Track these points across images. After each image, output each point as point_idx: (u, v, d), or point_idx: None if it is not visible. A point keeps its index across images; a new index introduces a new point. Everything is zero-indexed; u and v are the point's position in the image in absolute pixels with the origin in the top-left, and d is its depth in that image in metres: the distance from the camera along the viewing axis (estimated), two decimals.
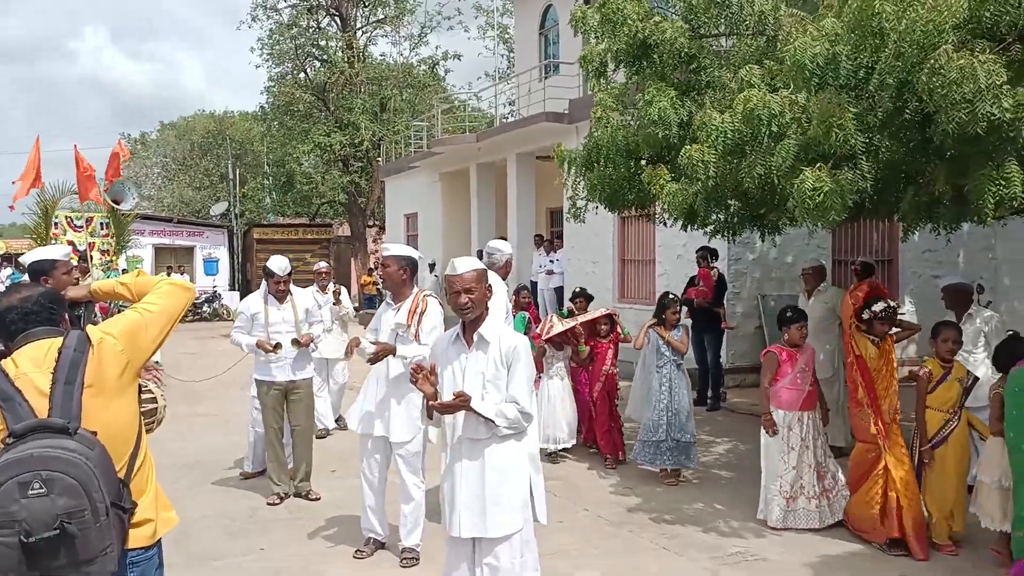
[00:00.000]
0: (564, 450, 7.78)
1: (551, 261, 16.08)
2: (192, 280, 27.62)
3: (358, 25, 30.31)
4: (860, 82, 4.84)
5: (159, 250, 28.23)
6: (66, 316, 2.74)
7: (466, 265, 3.74)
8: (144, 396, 4.25)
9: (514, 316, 7.82)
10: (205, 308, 26.19)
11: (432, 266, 20.12)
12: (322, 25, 30.30)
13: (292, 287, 6.71)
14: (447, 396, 3.60)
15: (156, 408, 4.26)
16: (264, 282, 6.66)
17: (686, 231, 7.60)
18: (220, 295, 27.11)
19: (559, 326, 7.71)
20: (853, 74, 4.81)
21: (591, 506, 6.42)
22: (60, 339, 2.54)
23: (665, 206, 6.65)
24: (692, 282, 10.61)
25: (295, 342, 6.47)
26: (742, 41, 6.45)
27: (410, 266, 5.28)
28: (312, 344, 6.63)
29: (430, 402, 3.61)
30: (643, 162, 6.89)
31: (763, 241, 9.46)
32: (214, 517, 6.18)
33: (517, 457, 3.67)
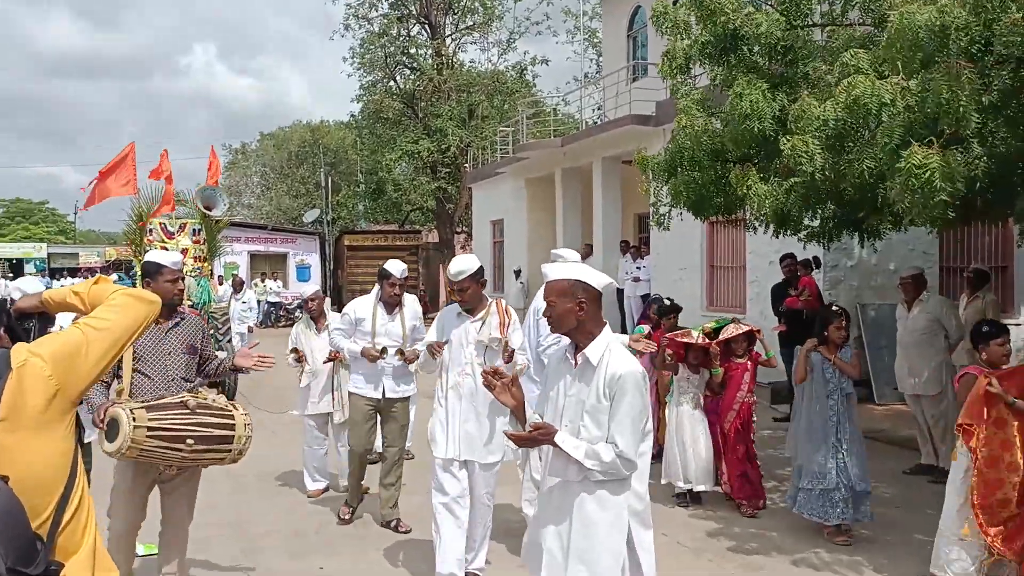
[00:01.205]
0: (697, 494, 6.56)
1: (638, 268, 15.66)
2: (285, 286, 28.26)
3: (447, 32, 30.47)
4: (973, 57, 4.33)
5: (254, 256, 28.94)
6: (1, 332, 2.35)
7: (552, 275, 3.21)
8: (218, 419, 3.96)
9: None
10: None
11: (518, 273, 19.93)
12: (412, 33, 30.58)
13: (405, 297, 6.15)
14: (552, 419, 3.14)
15: (232, 437, 3.95)
16: (376, 287, 6.11)
17: (778, 237, 7.13)
18: None
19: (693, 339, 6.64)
20: (966, 49, 4.29)
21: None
22: None
23: (754, 209, 6.24)
24: (783, 291, 9.94)
25: (401, 352, 5.85)
26: (843, 31, 5.98)
27: (481, 275, 4.86)
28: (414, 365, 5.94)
29: (507, 432, 3.13)
30: (730, 164, 6.50)
31: (862, 247, 8.88)
32: (283, 535, 6.08)
33: (611, 510, 3.06)
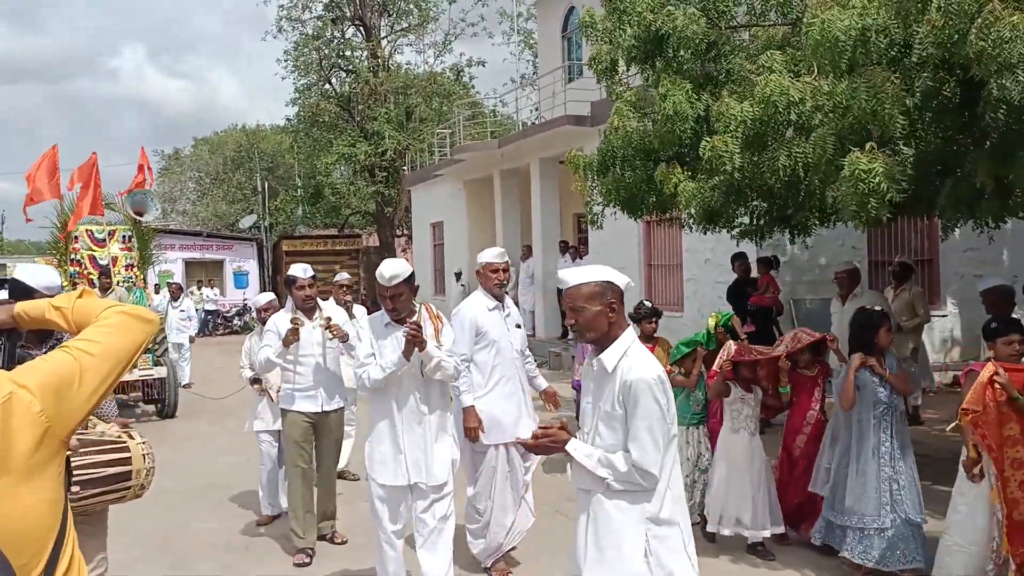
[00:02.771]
0: (760, 545, 5.37)
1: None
2: (222, 293, 27.72)
3: (382, 35, 30.24)
4: (893, 60, 4.42)
5: (189, 264, 28.34)
6: None
7: (571, 279, 3.00)
8: (109, 456, 3.37)
9: None
10: (236, 321, 26.22)
11: (458, 275, 19.86)
12: (347, 35, 30.29)
13: (320, 301, 5.85)
14: (586, 426, 2.95)
15: (130, 472, 3.40)
16: (289, 298, 5.84)
17: (706, 233, 7.20)
18: (250, 308, 27.11)
19: (753, 353, 5.57)
20: (886, 51, 4.38)
21: None
22: None
23: (682, 206, 6.30)
24: (741, 290, 9.82)
25: (328, 320, 5.51)
26: (764, 30, 6.07)
27: (413, 280, 4.54)
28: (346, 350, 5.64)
29: (519, 440, 3.01)
30: (661, 162, 6.55)
31: (792, 243, 9.04)
32: (218, 549, 5.92)
33: (627, 523, 2.88)
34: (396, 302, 4.41)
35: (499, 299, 5.11)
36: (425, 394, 4.46)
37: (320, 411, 5.66)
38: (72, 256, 13.12)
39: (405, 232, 30.19)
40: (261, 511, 6.49)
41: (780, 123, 4.91)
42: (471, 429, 4.91)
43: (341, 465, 6.81)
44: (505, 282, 5.15)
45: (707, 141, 5.12)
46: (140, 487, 3.57)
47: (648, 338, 6.17)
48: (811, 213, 6.65)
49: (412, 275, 4.50)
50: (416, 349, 4.29)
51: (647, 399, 2.85)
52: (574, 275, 3.00)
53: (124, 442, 3.55)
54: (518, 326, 5.17)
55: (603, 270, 3.02)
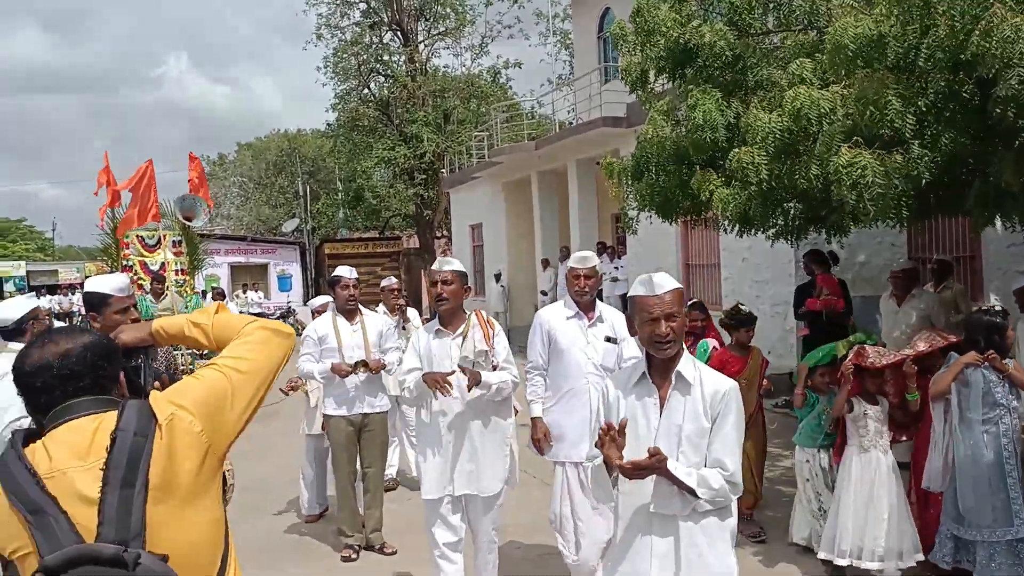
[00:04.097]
0: None
1: (615, 268, 15.82)
2: (267, 296, 28.24)
3: (420, 39, 30.55)
4: (910, 64, 4.52)
5: (234, 268, 28.93)
6: (121, 377, 1.91)
7: (668, 282, 2.81)
8: None
9: (692, 346, 5.98)
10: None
11: (498, 276, 20.05)
12: (385, 40, 30.64)
13: (361, 307, 5.95)
14: (631, 455, 2.68)
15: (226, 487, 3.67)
16: (332, 304, 5.97)
17: (742, 237, 7.29)
18: (294, 311, 27.62)
19: (874, 355, 4.89)
20: (903, 56, 4.48)
21: None
22: (113, 414, 1.74)
23: (718, 212, 6.40)
24: (808, 292, 9.17)
25: (362, 364, 5.64)
26: (792, 36, 6.16)
27: (466, 280, 4.53)
28: (385, 372, 5.83)
29: (616, 463, 2.66)
30: (695, 166, 6.65)
31: (829, 243, 9.05)
32: (265, 547, 6.15)
33: (720, 540, 2.78)
34: (445, 288, 4.34)
35: (584, 308, 4.67)
36: (473, 401, 4.35)
37: (362, 414, 5.77)
38: (124, 262, 13.51)
39: (445, 234, 30.49)
40: (307, 510, 6.70)
41: (811, 134, 5.00)
42: (535, 440, 4.68)
43: (389, 474, 6.96)
44: (587, 290, 4.64)
45: (735, 152, 5.24)
46: (227, 501, 3.74)
47: (743, 348, 5.84)
48: (845, 214, 6.72)
49: (465, 274, 4.51)
50: (472, 387, 4.22)
51: (739, 410, 2.77)
52: (666, 279, 2.83)
53: None
54: (609, 339, 4.60)
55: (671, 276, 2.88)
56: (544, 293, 18.67)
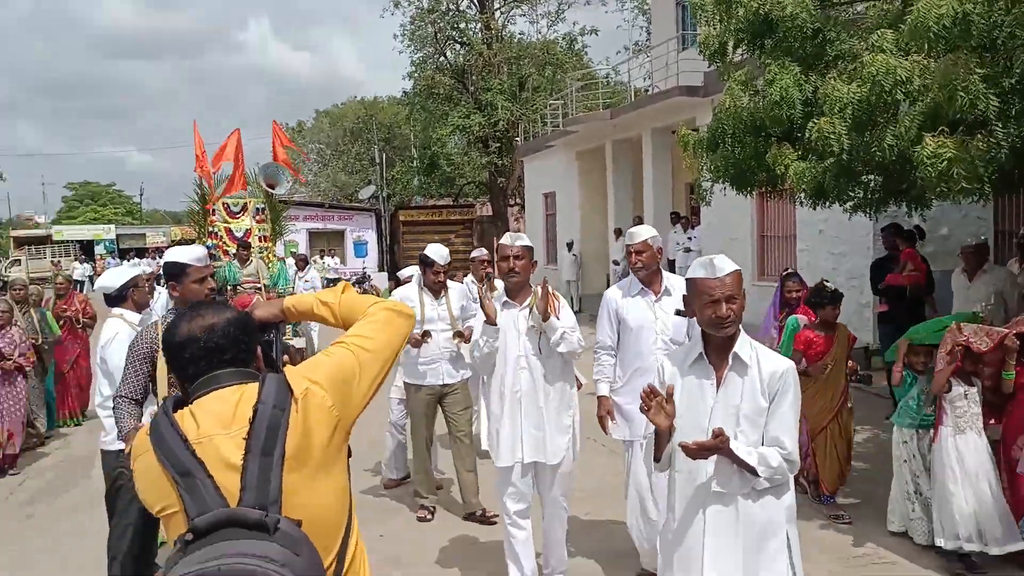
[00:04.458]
0: (972, 559, 4.72)
1: (689, 239, 15.72)
2: (343, 262, 28.88)
3: (496, 6, 30.49)
4: (994, 43, 4.42)
5: (312, 234, 29.62)
6: (257, 351, 2.03)
7: (728, 265, 2.85)
8: None
9: (777, 321, 6.17)
10: (355, 289, 27.32)
11: (570, 245, 20.10)
12: (461, 8, 30.69)
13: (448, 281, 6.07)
14: (688, 435, 2.76)
15: None
16: (419, 274, 6.08)
17: (816, 209, 7.22)
18: (369, 276, 28.18)
19: (979, 336, 4.70)
20: (987, 33, 4.38)
21: None
22: (254, 386, 1.86)
23: (793, 185, 6.35)
24: (885, 266, 8.92)
25: (458, 334, 5.80)
26: (874, 7, 6.04)
27: (533, 255, 4.60)
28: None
29: (681, 443, 2.73)
30: (772, 139, 6.60)
31: (910, 216, 8.85)
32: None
33: (776, 516, 2.85)
34: (516, 263, 4.43)
35: (648, 283, 4.61)
36: (543, 371, 4.44)
37: (443, 383, 5.87)
38: (210, 228, 13.98)
39: (518, 202, 30.59)
40: (388, 475, 6.88)
41: (888, 102, 4.94)
42: (600, 418, 4.71)
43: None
44: (639, 265, 4.60)
45: (814, 123, 5.20)
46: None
47: (830, 326, 5.69)
48: (927, 189, 6.60)
49: (532, 248, 4.60)
50: (539, 320, 4.33)
51: (796, 388, 2.83)
52: (726, 261, 2.86)
53: None
54: (679, 312, 4.35)
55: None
56: (616, 263, 18.66)
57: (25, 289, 8.48)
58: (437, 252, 5.87)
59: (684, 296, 2.98)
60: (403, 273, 7.03)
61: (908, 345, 5.21)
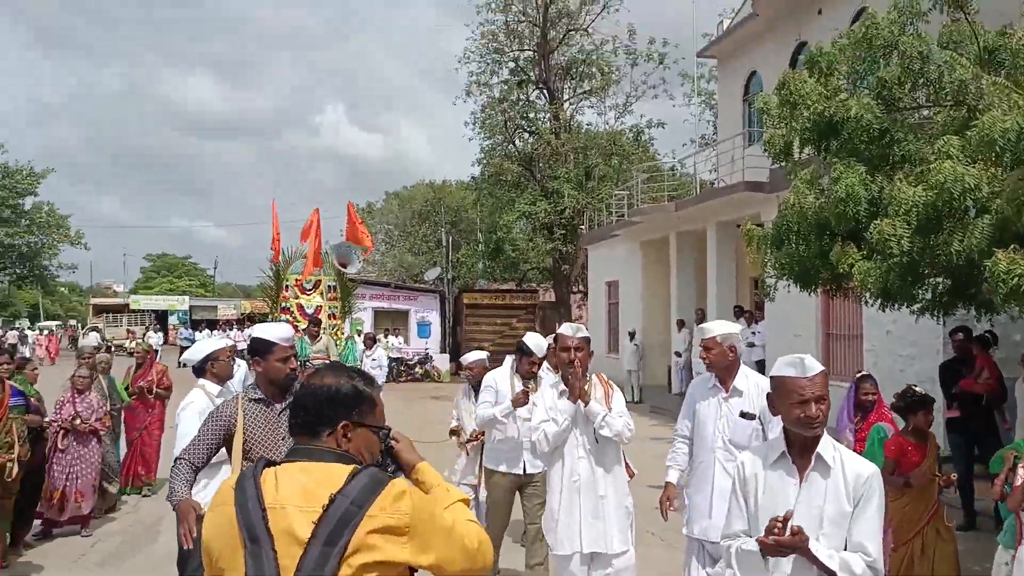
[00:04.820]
0: None
1: (752, 333, 15.62)
2: (406, 342, 29.30)
3: (565, 97, 31.35)
4: None
5: (378, 313, 30.13)
6: (355, 431, 2.04)
7: (816, 365, 2.83)
8: None
9: (852, 423, 5.87)
10: (417, 369, 27.59)
11: (632, 335, 20.11)
12: (531, 98, 31.62)
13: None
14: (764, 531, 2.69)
15: None
16: (513, 360, 5.97)
17: (884, 311, 7.21)
18: (431, 357, 28.46)
19: None
20: None
21: None
22: (345, 472, 1.90)
23: (859, 285, 6.40)
24: (955, 370, 8.65)
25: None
26: (941, 112, 6.16)
27: (590, 345, 4.69)
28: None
29: (759, 539, 2.69)
30: (837, 237, 6.68)
31: (979, 321, 8.73)
32: None
33: None
34: (577, 355, 4.48)
35: (720, 379, 4.53)
36: (599, 459, 4.50)
37: (524, 473, 5.75)
38: (283, 304, 14.41)
39: (581, 289, 30.79)
40: None
41: (955, 208, 5.02)
42: (660, 502, 4.70)
43: None
44: (708, 361, 4.55)
45: (876, 224, 5.29)
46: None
47: (922, 434, 5.36)
48: (996, 292, 6.58)
49: (590, 339, 4.71)
50: (581, 402, 4.41)
51: (881, 493, 2.76)
52: (813, 361, 2.84)
53: None
54: (744, 414, 4.34)
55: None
56: (678, 354, 18.59)
57: (93, 357, 8.80)
58: (535, 342, 5.80)
59: (768, 395, 2.94)
60: (467, 359, 7.04)
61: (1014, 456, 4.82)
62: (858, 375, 6.54)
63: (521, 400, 5.48)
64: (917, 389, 5.56)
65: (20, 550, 7.03)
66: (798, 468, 2.81)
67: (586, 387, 4.51)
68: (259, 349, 3.84)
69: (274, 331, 3.94)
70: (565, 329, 4.63)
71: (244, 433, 3.68)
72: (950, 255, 5.23)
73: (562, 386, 4.59)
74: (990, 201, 5.01)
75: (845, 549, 2.74)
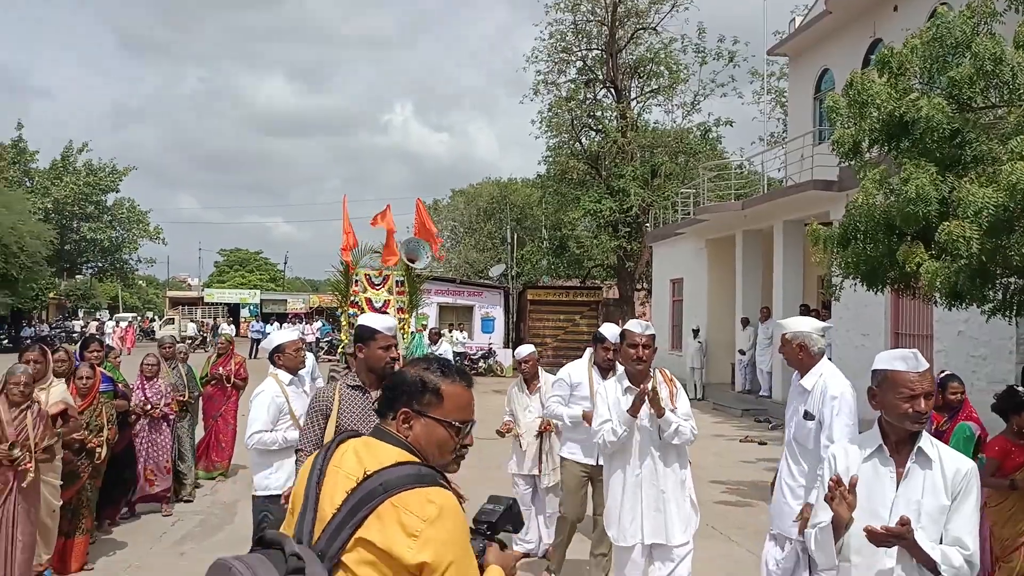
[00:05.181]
0: None
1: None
2: (470, 337, 29.63)
3: (632, 96, 31.28)
4: None
5: (442, 308, 30.55)
6: (416, 418, 2.08)
7: (924, 360, 2.83)
8: None
9: (934, 424, 5.57)
10: (481, 364, 27.89)
11: (696, 332, 20.03)
12: (598, 97, 31.64)
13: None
14: (865, 524, 2.71)
15: None
16: (589, 350, 6.00)
17: (951, 310, 7.13)
18: (495, 352, 28.73)
19: None
20: None
21: None
22: (393, 455, 1.98)
23: (927, 285, 6.36)
24: None
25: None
26: (1013, 112, 6.08)
27: (655, 342, 4.73)
28: None
29: (867, 527, 2.69)
30: (905, 237, 6.63)
31: None
32: None
33: None
34: (644, 352, 4.54)
35: (801, 378, 4.48)
36: (663, 455, 4.56)
37: (596, 464, 5.71)
38: (352, 298, 14.77)
39: (645, 287, 30.69)
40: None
41: None
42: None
43: None
44: (784, 358, 4.55)
45: (944, 225, 5.27)
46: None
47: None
48: None
49: (655, 336, 4.72)
50: (654, 413, 4.43)
51: (978, 489, 2.80)
52: (921, 357, 2.83)
53: None
54: (807, 415, 4.30)
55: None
56: (742, 352, 18.46)
57: (173, 347, 9.19)
58: (610, 331, 5.78)
59: (869, 388, 2.90)
60: (520, 353, 7.03)
61: None
62: (942, 374, 6.45)
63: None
64: (1020, 390, 5.44)
65: (107, 528, 7.45)
66: (895, 462, 2.83)
67: (649, 384, 4.51)
68: (363, 335, 3.91)
69: (378, 320, 4.03)
70: (632, 325, 4.69)
71: (338, 418, 3.80)
72: (1022, 256, 5.18)
73: (626, 382, 4.66)
74: None
75: (941, 543, 2.76)
